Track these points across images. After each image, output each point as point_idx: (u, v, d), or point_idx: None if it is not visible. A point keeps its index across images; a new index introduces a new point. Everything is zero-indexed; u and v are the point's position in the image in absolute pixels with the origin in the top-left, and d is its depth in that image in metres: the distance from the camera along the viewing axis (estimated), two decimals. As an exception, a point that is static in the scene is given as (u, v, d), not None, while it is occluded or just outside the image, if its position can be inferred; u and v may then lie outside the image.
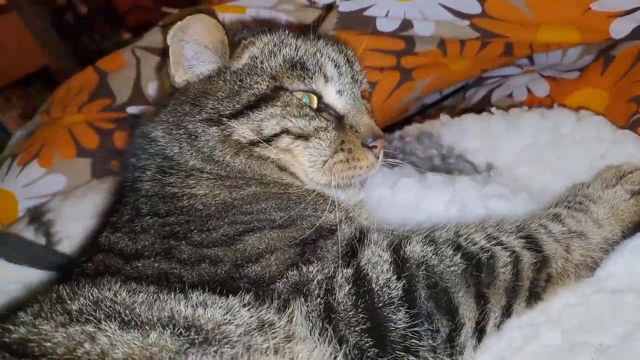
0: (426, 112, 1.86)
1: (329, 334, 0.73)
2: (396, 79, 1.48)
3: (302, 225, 0.88)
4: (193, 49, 1.03)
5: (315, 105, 1.03)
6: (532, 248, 0.84)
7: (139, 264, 0.84)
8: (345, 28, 1.38)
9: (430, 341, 0.76)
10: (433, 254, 0.82)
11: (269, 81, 1.01)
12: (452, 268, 0.80)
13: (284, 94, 1.00)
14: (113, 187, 1.19)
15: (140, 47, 1.46)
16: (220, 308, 0.72)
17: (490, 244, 0.84)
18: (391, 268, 0.80)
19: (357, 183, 1.03)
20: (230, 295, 0.74)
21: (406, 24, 1.36)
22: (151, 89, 1.44)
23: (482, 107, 1.60)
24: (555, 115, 1.15)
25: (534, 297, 0.83)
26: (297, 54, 1.04)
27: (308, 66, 1.03)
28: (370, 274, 0.80)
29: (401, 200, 1.08)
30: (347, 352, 0.73)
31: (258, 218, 0.88)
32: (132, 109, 1.45)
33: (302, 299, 0.76)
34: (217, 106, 0.99)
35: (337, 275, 0.80)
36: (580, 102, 1.36)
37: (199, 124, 0.99)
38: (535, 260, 0.83)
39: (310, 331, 0.74)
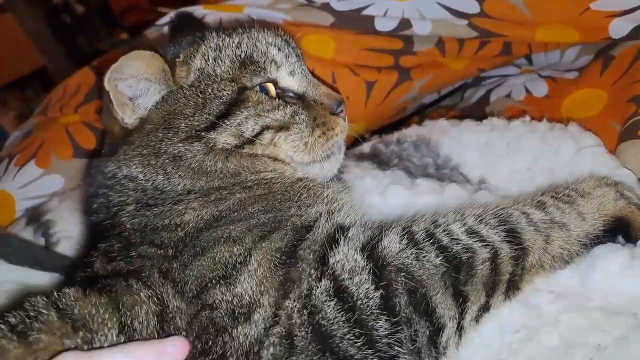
0: (424, 112, 1.86)
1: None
2: (394, 79, 1.48)
3: (286, 228, 0.85)
4: (135, 87, 0.98)
5: (274, 93, 1.05)
6: (511, 240, 0.82)
7: (135, 285, 0.80)
8: (342, 28, 1.38)
9: (409, 345, 0.73)
10: (414, 259, 0.78)
11: (230, 85, 1.00)
12: (432, 271, 0.77)
13: (250, 92, 1.01)
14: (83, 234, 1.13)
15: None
16: None
17: (471, 240, 0.81)
18: (369, 277, 0.76)
19: (336, 149, 1.07)
20: None
21: (405, 23, 1.35)
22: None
23: (481, 108, 1.60)
24: (556, 141, 1.14)
25: (512, 288, 0.82)
26: (241, 51, 1.04)
27: (256, 58, 1.03)
28: (349, 285, 0.76)
29: (391, 206, 1.08)
30: None
31: (249, 226, 0.85)
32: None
33: (288, 340, 0.72)
34: (190, 123, 0.98)
35: (313, 291, 0.76)
36: (578, 103, 1.36)
37: (180, 144, 0.97)
38: (514, 254, 0.81)
39: None
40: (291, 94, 1.07)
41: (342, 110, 1.08)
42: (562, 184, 0.99)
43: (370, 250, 0.80)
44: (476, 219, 0.85)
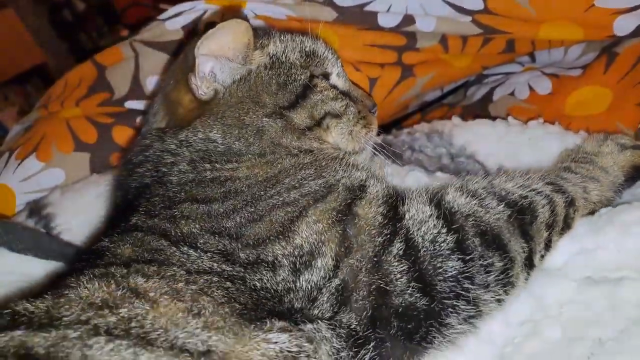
0: (426, 109, 1.86)
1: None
2: (397, 75, 1.48)
3: (337, 190, 0.92)
4: (220, 59, 1.05)
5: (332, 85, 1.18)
6: (559, 191, 0.94)
7: (194, 253, 0.83)
8: (345, 23, 1.38)
9: (484, 276, 0.81)
10: (479, 206, 0.88)
11: (303, 71, 1.13)
12: (498, 216, 0.87)
13: (318, 80, 1.13)
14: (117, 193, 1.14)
15: (139, 41, 1.45)
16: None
17: (526, 191, 0.92)
18: (439, 223, 0.85)
19: (367, 146, 1.19)
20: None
21: (408, 20, 1.35)
22: (149, 83, 1.44)
23: (484, 107, 1.60)
24: (574, 142, 1.18)
25: (566, 227, 0.93)
26: (305, 45, 1.17)
27: (318, 52, 1.17)
28: (416, 235, 0.84)
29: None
30: (394, 333, 0.77)
31: (302, 193, 0.91)
32: (130, 104, 1.44)
33: (346, 293, 0.79)
34: (274, 100, 1.08)
35: (383, 257, 0.82)
36: (583, 100, 1.36)
37: (265, 119, 1.05)
38: (565, 200, 0.93)
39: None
40: (338, 91, 1.18)
41: (375, 111, 1.23)
42: (569, 152, 1.13)
43: (437, 202, 0.89)
44: (524, 178, 0.96)
